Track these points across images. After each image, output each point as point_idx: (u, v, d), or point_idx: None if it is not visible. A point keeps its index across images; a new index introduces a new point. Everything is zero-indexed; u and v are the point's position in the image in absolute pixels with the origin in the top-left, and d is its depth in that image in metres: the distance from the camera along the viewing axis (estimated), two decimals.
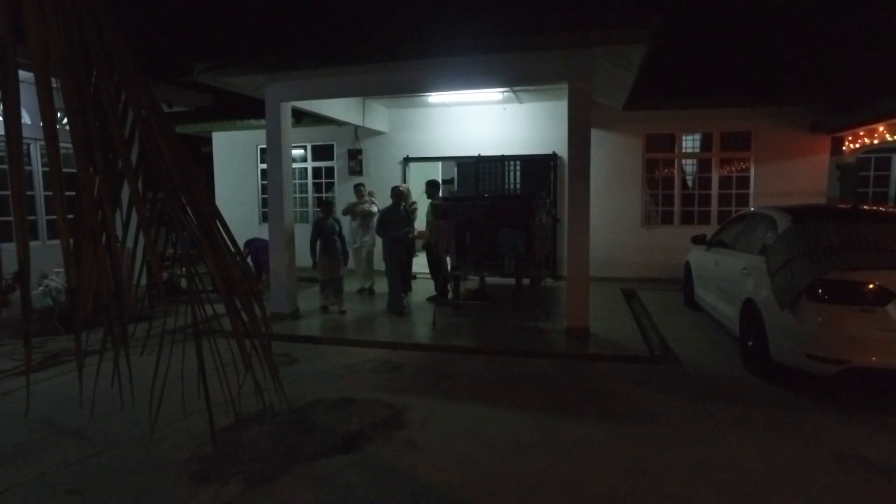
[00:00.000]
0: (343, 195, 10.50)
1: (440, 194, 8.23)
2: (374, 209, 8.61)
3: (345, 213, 8.80)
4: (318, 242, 7.40)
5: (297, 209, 11.14)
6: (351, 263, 8.29)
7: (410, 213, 7.76)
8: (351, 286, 8.71)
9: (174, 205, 1.67)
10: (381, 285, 8.45)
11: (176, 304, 1.83)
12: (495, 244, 6.80)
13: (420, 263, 8.84)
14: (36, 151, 7.55)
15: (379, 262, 8.38)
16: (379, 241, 7.97)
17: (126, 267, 1.86)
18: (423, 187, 8.34)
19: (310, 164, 11.53)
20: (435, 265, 7.72)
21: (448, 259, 7.14)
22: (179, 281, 6.39)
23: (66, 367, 5.31)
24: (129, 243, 1.91)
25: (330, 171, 11.43)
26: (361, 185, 8.96)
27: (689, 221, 9.80)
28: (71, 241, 1.49)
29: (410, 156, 10.76)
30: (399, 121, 10.82)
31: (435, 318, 6.90)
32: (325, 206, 7.66)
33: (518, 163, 10.08)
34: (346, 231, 8.58)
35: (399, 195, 7.52)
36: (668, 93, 8.65)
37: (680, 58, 8.70)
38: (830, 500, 3.01)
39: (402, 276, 7.53)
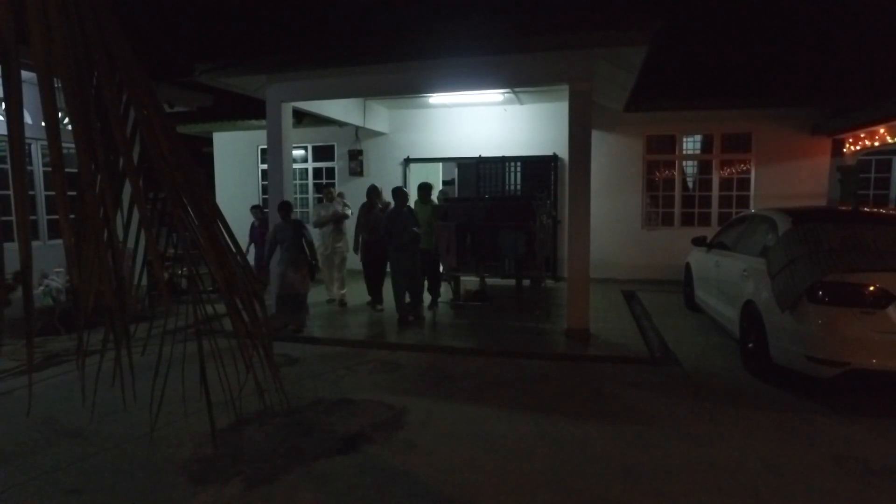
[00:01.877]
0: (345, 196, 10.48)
1: (432, 196, 7.92)
2: (349, 212, 8.20)
3: (316, 225, 8.06)
4: (278, 251, 6.47)
5: (298, 210, 11.13)
6: (321, 271, 7.58)
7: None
8: (321, 296, 8.33)
9: (175, 204, 1.67)
10: (359, 294, 8.16)
11: (177, 304, 1.83)
12: (496, 245, 6.80)
13: None
14: (37, 151, 7.56)
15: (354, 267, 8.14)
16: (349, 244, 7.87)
17: (127, 267, 1.86)
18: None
19: (310, 165, 11.54)
20: (433, 267, 7.66)
21: (448, 260, 7.12)
22: (181, 281, 6.40)
23: (66, 367, 5.31)
24: (130, 244, 1.92)
25: (331, 171, 11.44)
26: (331, 186, 8.68)
27: (690, 223, 9.80)
28: (73, 240, 1.49)
29: (411, 157, 10.77)
30: (400, 122, 10.83)
31: (435, 320, 6.90)
32: (282, 208, 6.61)
33: (518, 164, 10.08)
34: (315, 236, 8.04)
35: (403, 196, 6.90)
36: (668, 94, 8.66)
37: (681, 59, 8.71)
38: (830, 502, 3.01)
39: (409, 284, 6.90)
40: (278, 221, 6.63)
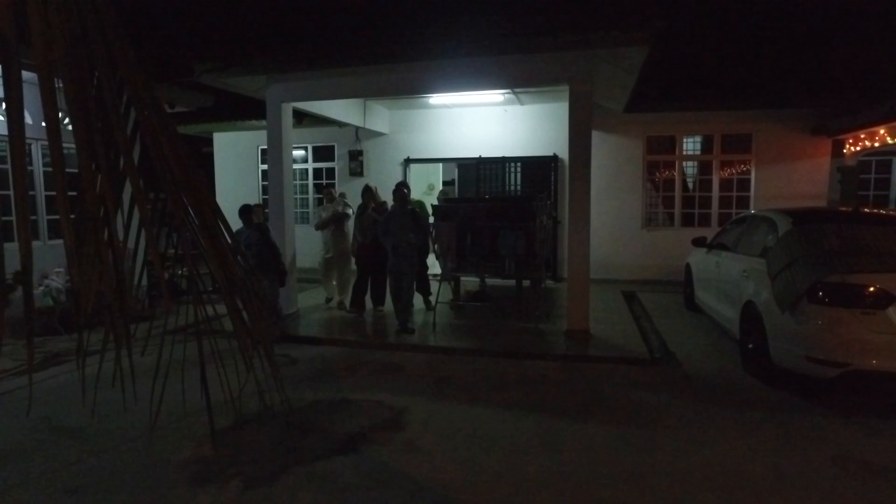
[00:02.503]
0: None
1: (411, 195, 7.75)
2: (350, 211, 8.00)
3: (318, 227, 7.95)
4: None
5: (298, 210, 11.14)
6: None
7: (380, 215, 7.05)
8: (320, 297, 8.39)
9: (176, 204, 1.67)
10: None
11: (177, 304, 1.83)
12: (496, 246, 6.80)
13: None
14: (37, 151, 7.56)
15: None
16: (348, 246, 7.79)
17: (127, 267, 1.86)
18: (425, 188, 8.11)
19: (311, 165, 11.55)
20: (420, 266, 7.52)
21: (448, 261, 7.10)
22: (181, 282, 6.39)
23: (66, 367, 5.31)
24: (130, 244, 1.92)
25: (331, 171, 11.44)
26: (332, 186, 8.57)
27: (690, 224, 9.80)
28: (73, 240, 1.49)
29: (411, 157, 10.76)
30: (400, 122, 10.84)
31: (434, 320, 6.90)
32: (242, 212, 6.32)
33: (519, 164, 10.08)
34: (317, 239, 8.08)
35: (400, 197, 6.58)
36: (669, 95, 8.64)
37: (681, 60, 8.70)
38: (830, 502, 3.00)
39: (403, 288, 6.59)
40: (241, 227, 6.29)
